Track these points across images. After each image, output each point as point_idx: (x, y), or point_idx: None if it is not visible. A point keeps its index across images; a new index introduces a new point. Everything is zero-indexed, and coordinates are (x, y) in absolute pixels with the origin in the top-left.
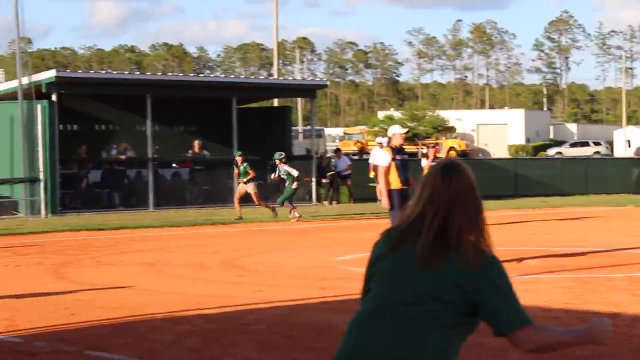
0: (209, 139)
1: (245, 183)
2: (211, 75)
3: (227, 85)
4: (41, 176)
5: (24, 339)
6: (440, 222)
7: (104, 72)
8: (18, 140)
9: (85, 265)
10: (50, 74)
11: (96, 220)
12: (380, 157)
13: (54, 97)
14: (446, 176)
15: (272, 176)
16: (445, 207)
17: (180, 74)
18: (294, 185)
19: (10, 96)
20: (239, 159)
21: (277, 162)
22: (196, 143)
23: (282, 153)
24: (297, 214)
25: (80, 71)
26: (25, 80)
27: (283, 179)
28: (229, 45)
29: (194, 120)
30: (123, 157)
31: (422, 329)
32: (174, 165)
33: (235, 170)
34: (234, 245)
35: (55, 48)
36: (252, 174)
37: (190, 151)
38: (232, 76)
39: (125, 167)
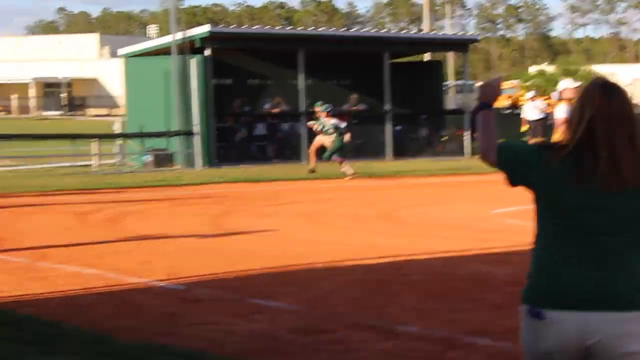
0: (362, 93)
1: (328, 134)
2: (362, 30)
3: (379, 39)
4: (196, 129)
5: (186, 286)
6: (626, 140)
7: (256, 27)
8: (173, 94)
9: (243, 216)
10: (204, 29)
11: (251, 173)
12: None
13: (207, 52)
14: (606, 96)
15: (313, 126)
16: (612, 126)
17: (332, 29)
18: (347, 137)
19: (164, 51)
20: (322, 113)
21: (324, 114)
22: (352, 97)
23: (330, 105)
24: (351, 171)
25: (233, 26)
26: (179, 36)
27: (328, 133)
28: (379, 1)
29: (346, 74)
30: (276, 110)
31: (632, 252)
32: None
33: (314, 126)
34: (390, 197)
35: (207, 5)
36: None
37: (347, 105)
38: (383, 30)
39: (279, 121)
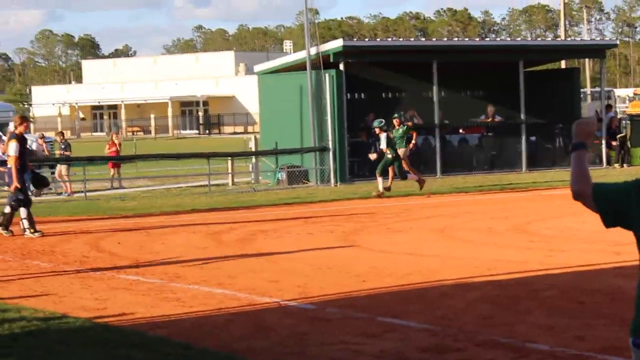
0: (496, 104)
1: (399, 148)
2: (497, 39)
3: (514, 48)
4: (330, 145)
5: (316, 306)
6: None
7: (389, 40)
8: (307, 110)
9: (374, 232)
10: (337, 44)
11: None
12: None
13: (341, 66)
14: None
15: (371, 156)
16: None
17: (466, 39)
18: (372, 155)
19: (298, 66)
20: (395, 121)
21: (378, 130)
22: (490, 109)
23: (382, 120)
24: (380, 188)
25: (366, 40)
26: (313, 51)
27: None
28: (514, 8)
29: (480, 85)
30: (410, 124)
31: None
32: (460, 131)
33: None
34: (524, 210)
35: (342, 18)
36: (414, 135)
37: (483, 116)
38: (519, 39)
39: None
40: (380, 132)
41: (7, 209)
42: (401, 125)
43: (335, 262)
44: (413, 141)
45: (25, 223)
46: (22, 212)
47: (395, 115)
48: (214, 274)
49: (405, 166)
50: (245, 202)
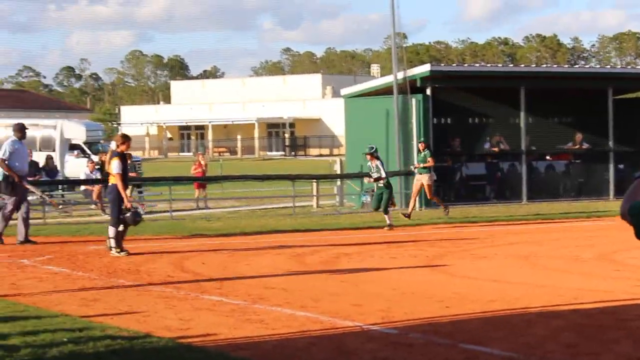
0: (584, 130)
1: (420, 173)
2: (586, 66)
3: (603, 75)
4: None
5: (398, 331)
6: None
7: (477, 65)
8: (393, 134)
9: (458, 258)
10: (424, 69)
11: (470, 213)
12: None
13: (428, 91)
14: None
15: (367, 180)
16: None
17: (554, 65)
18: (380, 183)
19: (385, 91)
20: (421, 145)
21: (369, 157)
22: (577, 136)
23: (374, 146)
24: (387, 221)
25: (453, 65)
26: (400, 75)
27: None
28: (604, 35)
29: (568, 111)
30: (496, 149)
31: None
32: (547, 157)
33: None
34: (610, 238)
35: (429, 42)
36: (431, 162)
37: (570, 143)
38: (608, 66)
39: (498, 160)
40: (371, 159)
41: (120, 227)
42: (425, 150)
43: (419, 287)
44: (429, 163)
45: (112, 242)
46: (111, 230)
47: (422, 139)
48: (297, 296)
49: (429, 194)
50: (329, 224)
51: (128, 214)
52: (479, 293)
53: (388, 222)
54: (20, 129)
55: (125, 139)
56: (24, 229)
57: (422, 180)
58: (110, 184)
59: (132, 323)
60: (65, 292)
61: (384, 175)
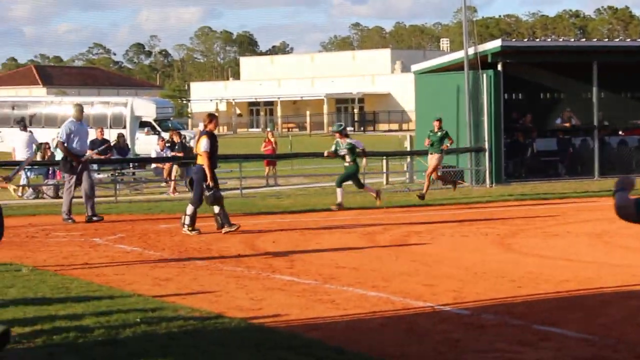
0: None
1: (432, 153)
2: None
3: None
4: (486, 145)
5: (470, 311)
6: None
7: (549, 40)
8: (463, 110)
9: (530, 236)
10: (495, 44)
11: (540, 190)
12: None
13: (499, 67)
14: None
15: (325, 153)
16: None
17: (627, 40)
18: (364, 162)
19: (456, 66)
20: (435, 124)
21: (338, 135)
22: None
23: (342, 124)
24: (338, 199)
25: (524, 40)
26: (470, 51)
27: (341, 155)
28: None
29: None
30: (568, 125)
31: None
32: (620, 132)
33: (426, 141)
34: None
35: (499, 16)
36: (450, 141)
37: None
38: None
39: (570, 136)
40: (340, 137)
41: (216, 209)
42: (440, 129)
43: (490, 266)
44: (447, 144)
45: (187, 219)
46: (189, 208)
47: (438, 117)
48: (368, 276)
49: (434, 174)
50: (399, 202)
51: (208, 194)
52: (552, 272)
53: (339, 199)
54: (78, 110)
55: (212, 117)
56: (87, 205)
57: (433, 159)
58: (197, 164)
59: (205, 303)
60: (137, 272)
61: (361, 146)
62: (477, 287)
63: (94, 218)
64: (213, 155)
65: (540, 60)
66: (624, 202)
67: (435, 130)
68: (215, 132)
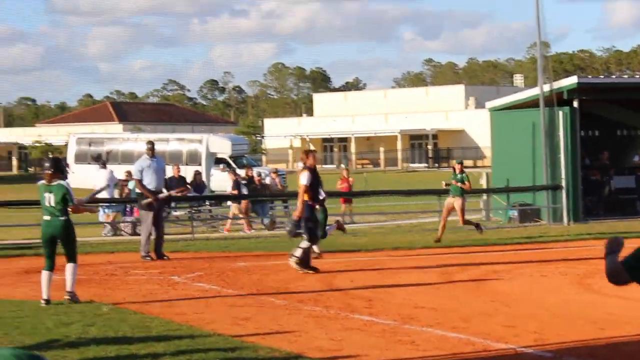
0: None
1: (453, 196)
2: None
3: None
4: (563, 183)
5: (553, 354)
6: None
7: (625, 76)
8: (539, 147)
9: None
10: (571, 81)
11: (618, 228)
12: None
13: (575, 104)
14: None
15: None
16: None
17: None
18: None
19: (531, 103)
20: (457, 167)
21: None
22: None
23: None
24: (315, 249)
25: (601, 77)
26: (546, 87)
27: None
28: None
29: None
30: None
31: None
32: None
33: (452, 181)
34: None
35: (573, 51)
36: (468, 185)
37: None
38: None
39: None
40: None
41: (305, 244)
42: (462, 172)
43: (571, 307)
44: (466, 185)
45: (298, 252)
46: (304, 243)
47: (459, 161)
48: (447, 316)
49: (460, 220)
50: (476, 240)
51: (289, 227)
52: (634, 314)
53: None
54: (148, 147)
55: (308, 153)
56: (156, 244)
57: (454, 202)
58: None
59: (284, 343)
60: (216, 310)
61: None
62: (559, 329)
63: (163, 255)
64: (313, 190)
65: (617, 96)
66: (614, 269)
67: (457, 173)
68: (290, 168)
